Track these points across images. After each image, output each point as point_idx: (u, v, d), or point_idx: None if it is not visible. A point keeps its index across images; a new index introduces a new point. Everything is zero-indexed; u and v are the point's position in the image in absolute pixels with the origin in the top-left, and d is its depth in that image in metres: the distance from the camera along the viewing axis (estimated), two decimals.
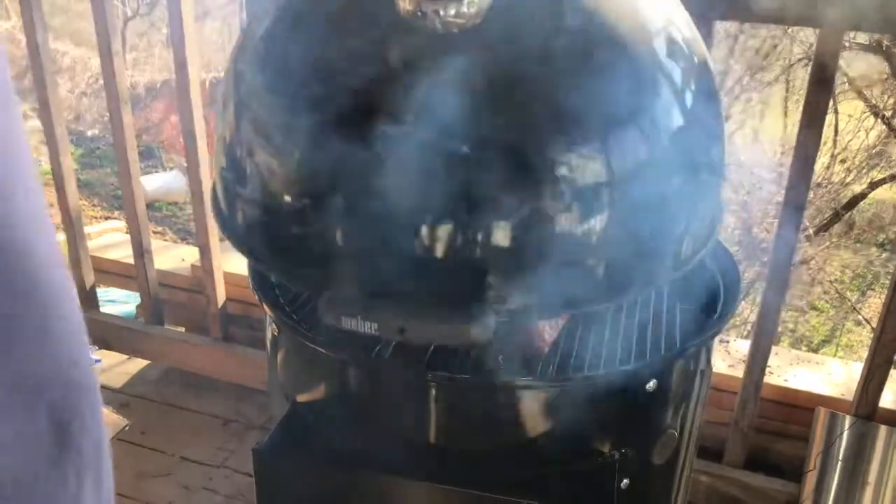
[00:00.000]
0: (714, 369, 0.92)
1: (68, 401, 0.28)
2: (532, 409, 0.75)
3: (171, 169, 6.99)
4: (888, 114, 5.68)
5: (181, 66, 1.79)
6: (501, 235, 0.63)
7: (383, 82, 0.65)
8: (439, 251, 0.64)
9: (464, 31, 0.63)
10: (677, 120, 0.68)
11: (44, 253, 0.29)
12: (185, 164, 1.92)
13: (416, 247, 0.64)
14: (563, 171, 0.63)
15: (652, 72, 0.68)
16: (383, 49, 0.65)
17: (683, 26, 0.73)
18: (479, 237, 0.63)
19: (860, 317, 5.70)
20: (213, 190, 0.84)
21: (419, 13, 0.62)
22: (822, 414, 1.64)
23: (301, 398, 0.85)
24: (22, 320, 0.27)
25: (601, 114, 0.64)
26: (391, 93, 0.64)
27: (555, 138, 0.63)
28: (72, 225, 2.16)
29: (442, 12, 0.62)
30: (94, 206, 6.13)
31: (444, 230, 0.63)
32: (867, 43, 5.25)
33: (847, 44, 4.97)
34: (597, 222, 0.65)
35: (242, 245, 0.76)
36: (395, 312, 0.64)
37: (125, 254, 2.39)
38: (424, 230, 0.63)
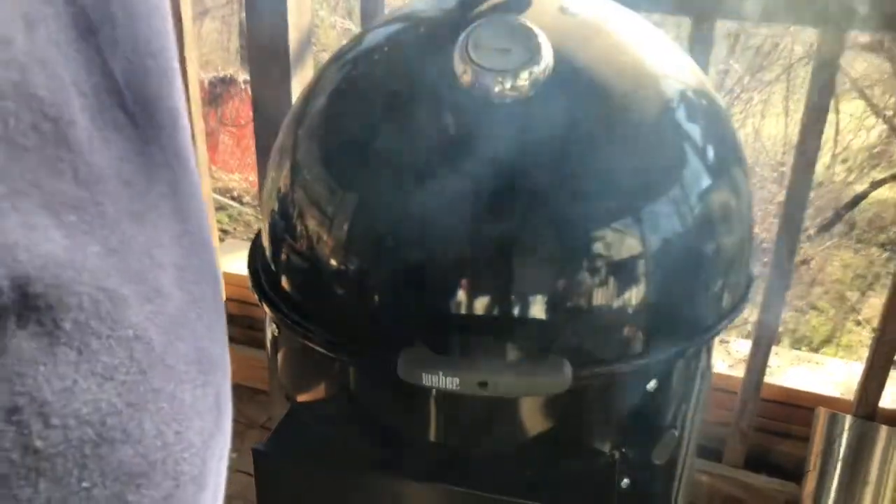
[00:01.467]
0: (714, 369, 0.92)
1: (224, 388, 0.31)
2: (532, 409, 0.75)
3: None
4: (889, 113, 5.67)
5: (181, 65, 1.79)
6: (571, 293, 0.69)
7: (443, 151, 0.70)
8: (515, 309, 0.69)
9: (517, 101, 0.68)
10: (719, 187, 0.76)
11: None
12: None
13: (493, 306, 0.69)
14: (621, 236, 0.69)
15: (694, 145, 0.76)
16: (440, 117, 0.72)
17: (716, 102, 0.81)
18: (550, 295, 0.69)
19: (860, 317, 5.70)
20: (255, 245, 0.88)
21: (477, 84, 0.67)
22: (822, 414, 1.64)
23: (301, 398, 0.85)
24: (206, 299, 0.30)
25: (642, 189, 0.71)
26: (455, 159, 0.69)
27: (611, 206, 0.70)
28: None
29: (498, 85, 0.67)
30: None
31: (516, 291, 0.69)
32: (868, 42, 5.25)
33: (848, 43, 4.97)
34: (657, 280, 0.71)
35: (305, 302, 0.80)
36: (476, 368, 0.67)
37: None
38: (500, 292, 0.69)
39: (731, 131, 0.82)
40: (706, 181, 0.75)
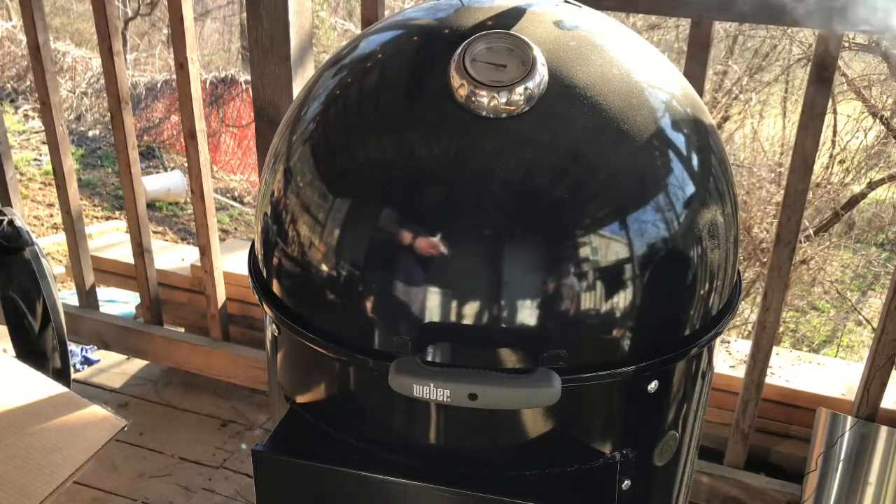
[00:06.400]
0: (715, 370, 0.92)
1: None
2: (533, 411, 0.75)
3: (172, 169, 6.99)
4: (887, 114, 5.67)
5: (181, 66, 1.80)
6: (564, 302, 0.69)
7: (442, 165, 0.70)
8: (507, 320, 0.69)
9: (512, 116, 0.68)
10: (706, 197, 0.77)
11: None
12: (186, 164, 1.92)
13: (484, 316, 0.69)
14: (612, 245, 0.69)
15: (688, 157, 0.77)
16: (434, 131, 0.71)
17: (703, 115, 0.82)
18: (542, 305, 0.68)
19: (861, 317, 5.70)
20: (252, 251, 0.87)
21: (473, 100, 0.68)
22: (823, 414, 1.64)
23: (301, 399, 0.85)
24: None
25: (635, 197, 0.71)
26: (447, 169, 0.69)
27: (602, 217, 0.70)
28: (73, 225, 2.15)
29: (493, 100, 0.67)
30: (95, 206, 6.13)
31: (509, 301, 0.68)
32: (866, 43, 5.25)
33: (846, 44, 4.97)
34: (644, 292, 0.71)
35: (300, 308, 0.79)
36: (466, 380, 0.67)
37: (125, 254, 2.39)
38: (492, 303, 0.68)
39: (718, 143, 0.82)
40: (694, 191, 0.75)
